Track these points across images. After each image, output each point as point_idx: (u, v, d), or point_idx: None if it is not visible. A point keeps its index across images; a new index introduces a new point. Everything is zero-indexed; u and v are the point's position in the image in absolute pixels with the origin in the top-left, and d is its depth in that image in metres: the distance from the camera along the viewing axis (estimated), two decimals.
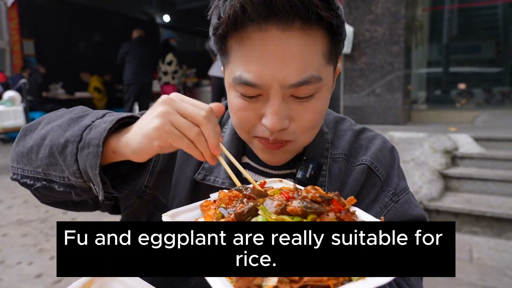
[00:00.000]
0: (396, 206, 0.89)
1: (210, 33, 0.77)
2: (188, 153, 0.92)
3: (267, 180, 0.76)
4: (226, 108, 1.03)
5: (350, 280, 0.46)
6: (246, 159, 0.93)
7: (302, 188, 0.64)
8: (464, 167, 4.21)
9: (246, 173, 0.72)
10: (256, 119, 0.76)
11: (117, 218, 1.00)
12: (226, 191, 0.66)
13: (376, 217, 0.87)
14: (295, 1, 0.65)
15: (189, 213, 0.65)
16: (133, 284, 0.73)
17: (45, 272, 2.83)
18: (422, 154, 4.17)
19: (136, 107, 7.63)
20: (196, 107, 0.66)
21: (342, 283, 0.45)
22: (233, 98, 0.77)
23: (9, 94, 6.18)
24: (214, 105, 0.71)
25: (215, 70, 7.23)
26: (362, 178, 0.90)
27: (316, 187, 0.61)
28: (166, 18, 13.72)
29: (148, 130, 0.64)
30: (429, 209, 3.67)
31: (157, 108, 0.65)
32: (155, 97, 9.29)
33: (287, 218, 0.53)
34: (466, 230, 3.55)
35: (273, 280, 0.45)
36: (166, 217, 0.63)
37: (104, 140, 0.68)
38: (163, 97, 0.67)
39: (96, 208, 0.94)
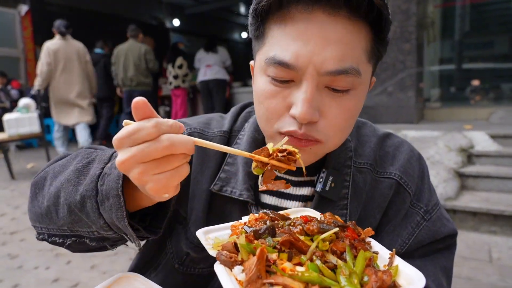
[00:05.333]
0: (428, 224, 0.85)
1: (250, 11, 0.72)
2: (201, 165, 0.89)
3: (289, 210, 0.75)
4: (240, 111, 0.99)
5: None
6: None
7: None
8: (480, 165, 4.13)
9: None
10: (284, 109, 0.70)
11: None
12: (257, 214, 0.67)
13: (408, 237, 0.84)
14: None
15: (221, 231, 0.67)
16: None
17: (62, 276, 2.85)
18: (437, 153, 4.10)
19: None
20: (150, 140, 0.52)
21: None
22: (262, 84, 0.72)
23: (24, 101, 6.27)
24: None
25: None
26: (390, 194, 0.85)
27: (335, 215, 0.66)
28: (176, 22, 13.81)
29: (143, 190, 0.57)
30: (445, 208, 3.59)
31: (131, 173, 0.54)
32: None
33: (303, 237, 0.58)
34: (484, 230, 3.47)
35: None
36: (200, 233, 0.64)
37: (122, 188, 0.61)
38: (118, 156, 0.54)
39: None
